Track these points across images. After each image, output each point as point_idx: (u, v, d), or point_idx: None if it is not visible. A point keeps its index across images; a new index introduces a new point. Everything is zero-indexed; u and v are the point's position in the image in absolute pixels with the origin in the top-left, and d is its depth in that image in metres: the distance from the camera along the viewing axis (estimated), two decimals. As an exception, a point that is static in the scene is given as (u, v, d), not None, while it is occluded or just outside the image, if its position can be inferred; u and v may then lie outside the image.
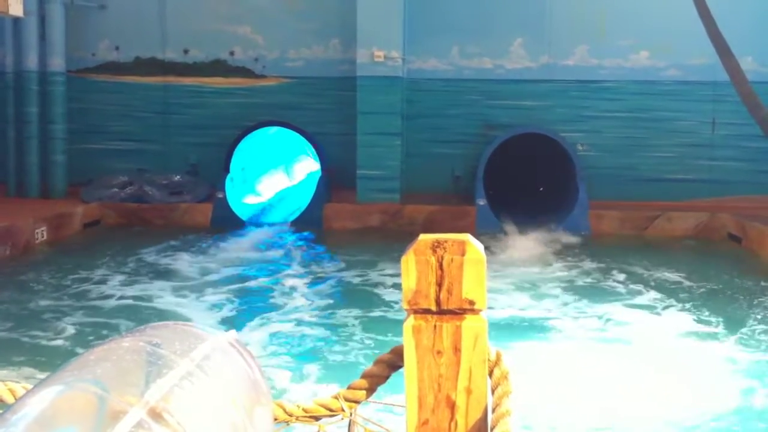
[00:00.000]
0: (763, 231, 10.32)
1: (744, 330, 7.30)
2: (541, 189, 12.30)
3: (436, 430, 1.91)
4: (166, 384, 1.21)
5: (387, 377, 2.03)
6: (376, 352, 6.17)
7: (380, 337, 6.98)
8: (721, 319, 7.61)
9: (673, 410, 5.37)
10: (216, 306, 7.99)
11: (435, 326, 1.91)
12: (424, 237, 1.93)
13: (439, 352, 1.91)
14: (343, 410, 1.96)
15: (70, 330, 7.07)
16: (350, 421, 1.98)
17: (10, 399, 1.80)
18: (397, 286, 8.02)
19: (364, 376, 2.02)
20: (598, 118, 12.70)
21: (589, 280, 9.21)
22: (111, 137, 13.22)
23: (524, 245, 10.62)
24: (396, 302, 7.86)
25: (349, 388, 2.01)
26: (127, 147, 13.20)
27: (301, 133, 12.56)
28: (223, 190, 12.10)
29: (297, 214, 12.24)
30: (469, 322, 1.91)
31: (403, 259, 1.92)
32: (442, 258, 1.90)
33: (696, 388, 5.79)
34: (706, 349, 6.81)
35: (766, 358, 6.57)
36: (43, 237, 10.37)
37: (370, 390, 2.01)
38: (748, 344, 6.92)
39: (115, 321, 7.33)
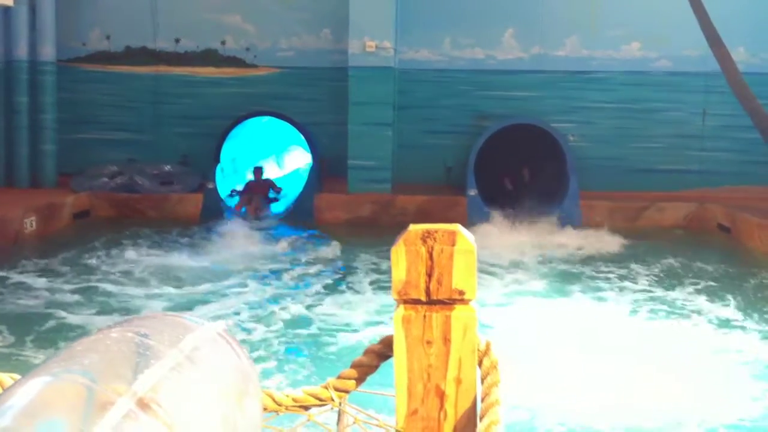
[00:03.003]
0: (752, 221, 10.36)
1: (739, 321, 7.32)
2: (529, 178, 12.31)
3: (426, 420, 1.92)
4: (154, 374, 1.21)
5: (377, 367, 2.03)
6: (366, 342, 6.18)
7: (369, 327, 6.99)
8: (716, 310, 7.63)
9: (670, 404, 5.37)
10: (205, 297, 7.98)
11: (425, 316, 1.91)
12: (414, 227, 1.93)
13: (428, 342, 1.91)
14: (332, 400, 1.96)
15: (59, 321, 7.05)
16: (339, 410, 1.99)
17: (-2, 389, 1.79)
18: (387, 277, 8.03)
19: (353, 365, 2.02)
20: (590, 109, 12.72)
21: (579, 271, 9.23)
22: (101, 127, 13.18)
23: (514, 235, 10.63)
24: (386, 292, 7.86)
25: (338, 377, 2.01)
26: (118, 137, 13.16)
27: (292, 124, 12.54)
28: (213, 180, 12.08)
29: (288, 204, 12.23)
30: (458, 312, 1.91)
31: (393, 249, 1.92)
32: (432, 248, 1.90)
33: (694, 382, 5.79)
34: (701, 341, 6.83)
35: (761, 350, 6.59)
36: (32, 227, 10.33)
37: (360, 379, 2.01)
38: (742, 334, 6.95)
39: (103, 312, 7.31)
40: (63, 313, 7.25)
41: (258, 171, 12.58)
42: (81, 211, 11.60)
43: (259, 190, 12.32)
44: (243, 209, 11.99)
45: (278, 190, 12.51)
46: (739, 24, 12.01)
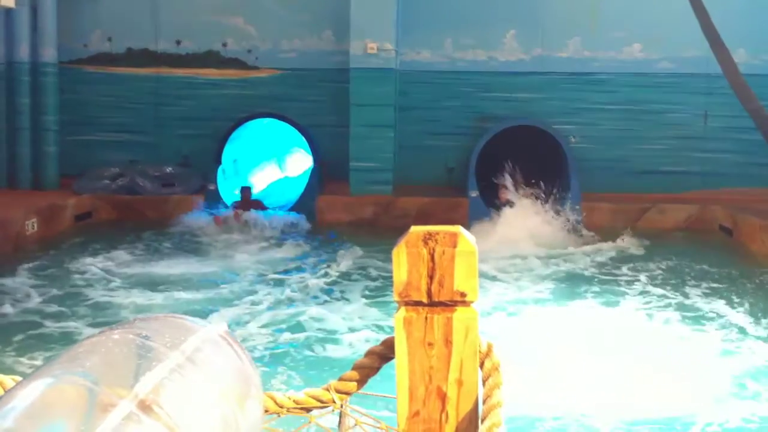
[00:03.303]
0: (755, 223, 10.35)
1: (744, 322, 7.30)
2: (533, 181, 12.29)
3: (427, 422, 1.91)
4: (156, 376, 1.21)
5: (378, 369, 2.03)
6: (368, 344, 6.17)
7: (371, 330, 6.98)
8: (720, 312, 7.62)
9: (675, 406, 5.36)
10: (206, 299, 7.98)
11: (426, 318, 1.91)
12: (415, 229, 1.93)
13: (430, 344, 1.91)
14: (334, 402, 1.96)
15: (59, 323, 7.04)
16: (341, 412, 1.98)
17: None
18: (389, 278, 8.02)
19: (355, 367, 2.02)
20: (591, 110, 12.71)
21: (582, 272, 9.22)
22: (103, 129, 13.18)
23: (516, 236, 10.61)
24: (388, 294, 7.86)
25: (340, 379, 2.01)
26: (119, 138, 13.16)
27: (294, 126, 12.53)
28: (215, 182, 12.08)
29: (289, 206, 12.22)
30: (460, 314, 1.91)
31: (395, 251, 1.92)
32: (434, 250, 1.90)
33: (700, 384, 5.77)
34: (699, 342, 6.82)
35: (763, 352, 6.57)
36: (34, 229, 10.33)
37: (361, 381, 2.01)
38: (746, 336, 6.93)
39: (104, 314, 7.31)
40: (62, 316, 7.25)
41: (246, 191, 11.94)
42: (83, 213, 11.60)
43: (246, 210, 11.60)
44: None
45: (259, 205, 11.84)
46: (740, 25, 11.99)
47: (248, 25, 13.08)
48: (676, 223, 11.64)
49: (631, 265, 9.47)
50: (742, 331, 7.08)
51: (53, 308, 7.47)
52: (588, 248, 10.25)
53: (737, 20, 11.95)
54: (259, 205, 11.94)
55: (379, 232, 10.60)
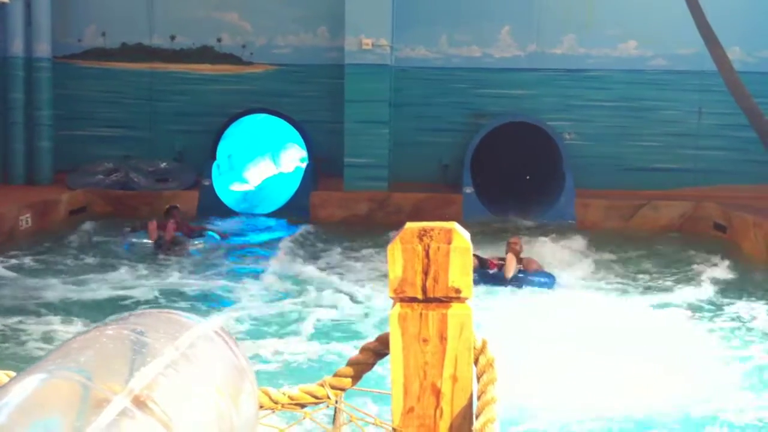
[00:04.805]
0: (748, 220, 10.37)
1: (739, 319, 7.32)
2: (528, 177, 12.31)
3: (422, 418, 1.91)
4: (150, 372, 1.20)
5: (373, 365, 2.03)
6: (362, 339, 6.16)
7: (366, 326, 6.98)
8: (716, 309, 7.64)
9: (675, 404, 5.35)
10: (199, 295, 7.97)
11: (421, 314, 1.91)
12: (410, 225, 1.93)
13: (424, 340, 1.91)
14: (328, 397, 1.96)
15: (53, 319, 7.01)
16: (336, 408, 1.98)
17: (-7, 387, 1.79)
18: (384, 275, 8.00)
19: (349, 363, 2.02)
20: (586, 107, 12.72)
21: (577, 269, 9.21)
22: (97, 124, 13.14)
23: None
24: (382, 290, 7.85)
25: (334, 375, 2.01)
26: (113, 134, 13.13)
27: (288, 121, 12.52)
28: (209, 177, 12.06)
29: (283, 202, 12.21)
30: (455, 310, 1.91)
31: (390, 247, 1.91)
32: (429, 246, 1.90)
33: (686, 380, 5.78)
34: (696, 340, 6.83)
35: (756, 350, 6.58)
36: (28, 224, 10.30)
37: (356, 377, 2.01)
38: (745, 333, 6.95)
39: (97, 309, 7.28)
40: (55, 311, 7.23)
41: (173, 212, 10.17)
42: (77, 208, 11.58)
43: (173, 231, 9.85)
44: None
45: (193, 230, 10.20)
46: (735, 24, 12.01)
47: (243, 21, 13.05)
48: (670, 220, 11.65)
49: (625, 261, 9.48)
50: (742, 327, 7.09)
51: (51, 302, 7.44)
52: (582, 245, 10.23)
53: (732, 18, 11.96)
54: (187, 229, 10.15)
55: (374, 228, 10.58)
